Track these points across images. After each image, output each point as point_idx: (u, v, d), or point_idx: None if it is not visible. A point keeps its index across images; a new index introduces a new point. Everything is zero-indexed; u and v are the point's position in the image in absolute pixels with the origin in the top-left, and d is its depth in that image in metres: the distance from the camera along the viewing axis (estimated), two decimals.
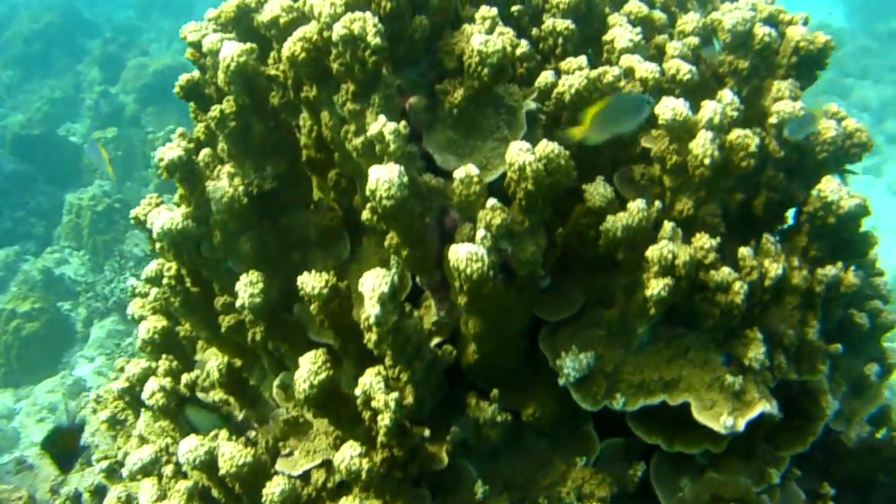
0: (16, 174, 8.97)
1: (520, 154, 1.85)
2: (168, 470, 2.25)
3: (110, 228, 8.01)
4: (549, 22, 2.27)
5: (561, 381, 2.09)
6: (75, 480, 4.53)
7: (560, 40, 2.26)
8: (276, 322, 2.23)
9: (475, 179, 1.88)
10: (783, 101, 2.13)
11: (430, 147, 2.03)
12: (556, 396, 2.18)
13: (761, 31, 2.18)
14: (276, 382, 2.43)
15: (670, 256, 1.93)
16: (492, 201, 1.89)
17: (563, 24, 2.25)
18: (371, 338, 1.92)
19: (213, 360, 2.33)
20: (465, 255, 1.84)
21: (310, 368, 2.05)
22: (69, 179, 9.42)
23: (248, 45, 2.03)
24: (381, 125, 1.86)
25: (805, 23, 2.51)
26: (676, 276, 1.95)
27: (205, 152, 2.21)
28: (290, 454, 2.34)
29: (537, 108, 2.15)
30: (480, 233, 1.89)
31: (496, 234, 1.89)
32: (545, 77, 2.17)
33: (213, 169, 2.22)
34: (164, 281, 2.39)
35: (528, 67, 2.30)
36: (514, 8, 2.40)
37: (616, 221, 1.98)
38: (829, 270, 2.15)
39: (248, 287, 2.13)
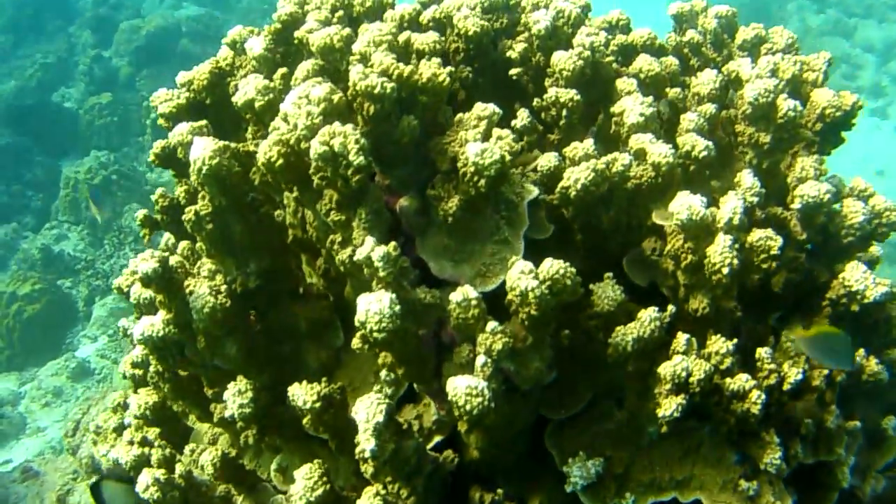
0: (10, 147, 8.78)
1: (521, 278, 1.70)
2: None
3: (106, 199, 7.83)
4: (551, 92, 2.09)
5: (568, 489, 1.98)
6: (80, 490, 4.51)
7: (564, 112, 2.07)
8: (269, 423, 2.12)
9: (473, 303, 1.73)
10: (808, 184, 1.96)
11: (423, 254, 1.88)
12: (562, 486, 2.07)
13: (785, 105, 2.00)
14: (274, 466, 2.33)
15: (684, 375, 1.80)
16: (492, 325, 1.74)
17: (568, 96, 2.06)
18: (368, 469, 1.81)
19: (206, 454, 2.23)
20: (465, 390, 1.71)
21: (305, 485, 1.97)
22: (66, 148, 9.22)
23: (220, 144, 1.86)
24: (368, 249, 1.70)
25: (828, 68, 2.31)
26: (690, 393, 1.81)
27: (181, 250, 2.07)
28: None
29: (539, 195, 1.98)
30: (480, 360, 1.75)
31: (498, 359, 1.75)
32: (548, 161, 2.00)
33: (193, 263, 2.07)
34: (151, 369, 2.27)
35: (529, 141, 2.12)
36: (513, 71, 2.20)
37: (626, 335, 1.84)
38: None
39: (236, 397, 2.01)
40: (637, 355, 1.87)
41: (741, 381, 1.86)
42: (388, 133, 1.78)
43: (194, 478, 2.30)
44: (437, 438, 2.08)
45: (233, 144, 2.16)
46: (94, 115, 9.32)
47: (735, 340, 1.91)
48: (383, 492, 1.88)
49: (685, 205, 1.83)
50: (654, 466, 2.01)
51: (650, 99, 2.06)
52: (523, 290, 1.69)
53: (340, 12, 2.17)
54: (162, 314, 2.02)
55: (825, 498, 2.20)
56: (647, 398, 1.92)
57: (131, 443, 2.44)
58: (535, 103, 2.12)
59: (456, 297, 1.74)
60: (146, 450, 2.37)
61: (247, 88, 1.99)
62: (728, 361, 1.88)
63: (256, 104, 1.97)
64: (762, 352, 1.92)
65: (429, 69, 1.78)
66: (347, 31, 1.95)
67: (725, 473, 1.97)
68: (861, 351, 2.03)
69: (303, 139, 1.71)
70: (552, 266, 1.71)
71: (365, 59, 1.83)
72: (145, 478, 2.23)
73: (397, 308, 1.69)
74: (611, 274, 1.95)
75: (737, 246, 1.81)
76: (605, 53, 2.14)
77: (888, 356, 2.48)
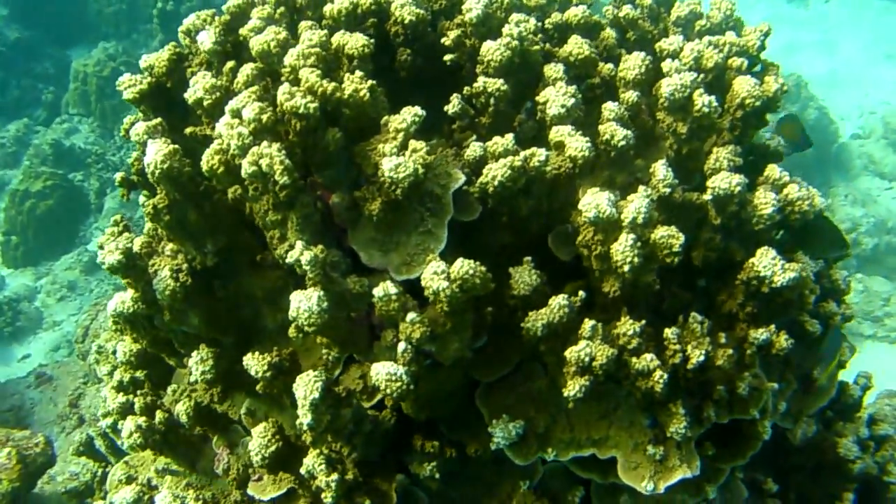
0: (20, 42, 8.85)
1: (434, 279, 1.89)
2: None
3: (117, 93, 7.94)
4: (480, 81, 2.21)
5: (493, 447, 2.22)
6: (91, 395, 4.87)
7: (491, 100, 2.20)
8: (233, 381, 2.37)
9: (393, 297, 1.93)
10: (720, 176, 2.09)
11: (354, 244, 2.07)
12: None
13: (700, 100, 2.10)
14: (243, 410, 2.60)
15: (587, 360, 2.00)
16: (411, 315, 1.95)
17: (495, 85, 2.18)
18: (307, 439, 2.06)
19: (180, 405, 2.50)
20: (385, 376, 1.94)
21: (260, 442, 2.24)
22: (75, 37, 9.26)
23: (170, 148, 2.03)
24: (298, 253, 1.90)
25: (764, 40, 2.39)
26: (594, 375, 2.02)
27: (147, 230, 2.27)
28: (260, 479, 2.55)
29: (466, 180, 2.14)
30: (401, 346, 1.97)
31: (417, 345, 1.97)
32: (474, 150, 2.15)
33: (158, 242, 2.28)
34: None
35: (461, 126, 2.26)
36: (448, 57, 2.31)
37: (537, 320, 2.04)
38: (762, 334, 2.20)
39: (199, 365, 2.26)
40: (549, 337, 2.07)
41: (646, 360, 2.05)
42: (315, 143, 1.94)
43: (174, 420, 2.59)
44: (380, 396, 2.33)
45: (189, 130, 2.35)
46: (102, 3, 9.32)
47: (643, 322, 2.09)
48: (326, 451, 2.15)
49: (593, 203, 1.98)
50: (573, 427, 2.23)
51: (573, 89, 2.17)
52: (435, 290, 1.89)
53: (282, 8, 2.28)
54: (131, 292, 2.25)
55: (749, 447, 2.39)
56: (563, 370, 2.13)
57: (118, 388, 2.73)
58: (465, 91, 2.25)
59: (378, 291, 1.93)
60: (130, 397, 2.66)
61: (196, 87, 2.13)
62: (635, 342, 2.07)
63: (205, 102, 2.12)
64: (669, 332, 2.11)
65: (351, 85, 1.91)
66: (283, 35, 2.08)
67: (637, 436, 2.19)
68: (772, 327, 2.19)
69: (236, 156, 1.88)
70: (462, 266, 1.89)
71: (295, 72, 1.96)
72: (129, 424, 2.52)
73: (325, 305, 1.90)
74: (529, 258, 2.13)
75: (639, 244, 1.97)
76: (534, 41, 2.24)
77: (823, 310, 2.66)
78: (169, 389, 2.75)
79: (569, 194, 2.22)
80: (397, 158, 1.88)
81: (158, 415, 2.58)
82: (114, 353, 3.45)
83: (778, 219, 2.16)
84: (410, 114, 1.96)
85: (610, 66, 2.36)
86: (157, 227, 2.21)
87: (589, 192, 2.02)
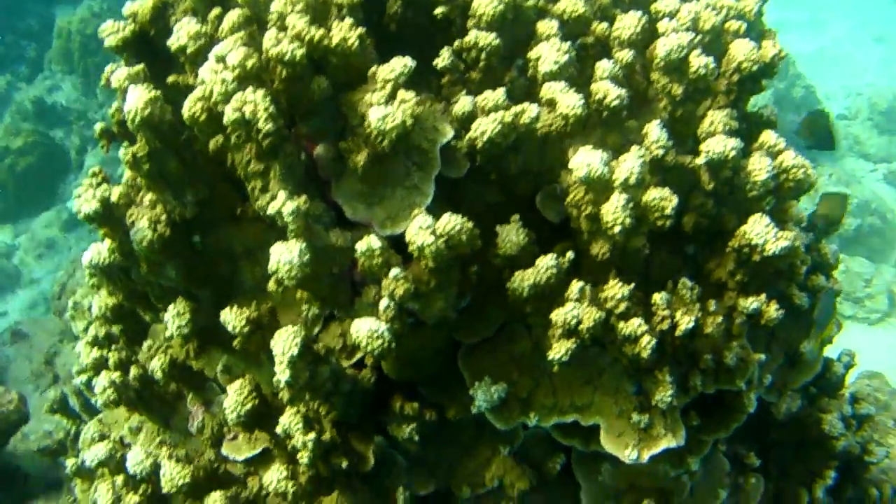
0: None
1: (419, 234, 1.84)
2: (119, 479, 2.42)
3: (101, 50, 7.84)
4: (472, 35, 2.14)
5: (473, 410, 2.18)
6: (66, 352, 4.81)
7: (483, 55, 2.14)
8: (209, 338, 2.32)
9: (377, 252, 1.88)
10: (715, 139, 2.05)
11: (338, 197, 2.02)
12: None
13: (696, 62, 2.05)
14: (219, 368, 2.55)
15: (574, 322, 1.96)
16: (395, 271, 1.90)
17: (486, 40, 2.12)
18: (284, 396, 2.01)
19: (155, 361, 2.45)
20: (366, 333, 1.89)
21: (236, 399, 2.19)
22: None
23: (153, 93, 1.96)
24: (280, 204, 1.84)
25: (762, 6, 2.34)
26: (581, 338, 1.98)
27: (126, 179, 2.20)
28: (235, 438, 2.51)
29: (455, 135, 2.09)
30: (384, 303, 1.92)
31: (400, 303, 1.92)
32: (463, 106, 2.09)
33: (136, 192, 2.22)
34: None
35: (452, 80, 2.20)
36: (438, 10, 2.24)
37: (523, 281, 1.99)
38: (751, 303, 2.17)
39: (175, 319, 2.21)
40: (535, 298, 2.02)
41: (633, 325, 2.02)
42: (300, 92, 1.88)
43: (148, 376, 2.54)
44: (360, 354, 2.28)
45: (171, 78, 2.28)
46: None
47: (632, 285, 2.05)
48: (303, 409, 2.10)
49: (584, 162, 1.93)
50: (556, 392, 2.20)
51: (567, 45, 2.11)
52: (419, 246, 1.84)
53: None
54: (108, 243, 2.19)
55: (733, 419, 2.38)
56: (548, 333, 2.10)
57: (92, 343, 2.67)
58: (455, 45, 2.19)
59: (361, 245, 1.88)
60: (104, 352, 2.61)
61: (179, 34, 2.06)
62: (623, 306, 2.03)
63: (188, 50, 2.05)
64: (658, 297, 2.07)
65: (339, 33, 1.85)
66: None
67: (622, 403, 2.16)
68: (762, 296, 2.16)
69: (219, 103, 1.81)
70: (449, 222, 1.85)
71: (282, 18, 1.89)
72: (103, 380, 2.47)
73: (306, 258, 1.85)
74: (518, 216, 2.08)
75: (631, 205, 1.93)
76: None
77: (811, 283, 2.62)
78: (144, 345, 2.70)
79: (559, 154, 2.17)
80: (385, 108, 1.82)
81: (133, 370, 2.53)
82: (89, 309, 3.41)
83: (772, 186, 2.12)
84: (400, 64, 1.90)
85: (604, 25, 2.30)
86: (136, 176, 2.14)
87: (581, 150, 1.97)
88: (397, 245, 1.98)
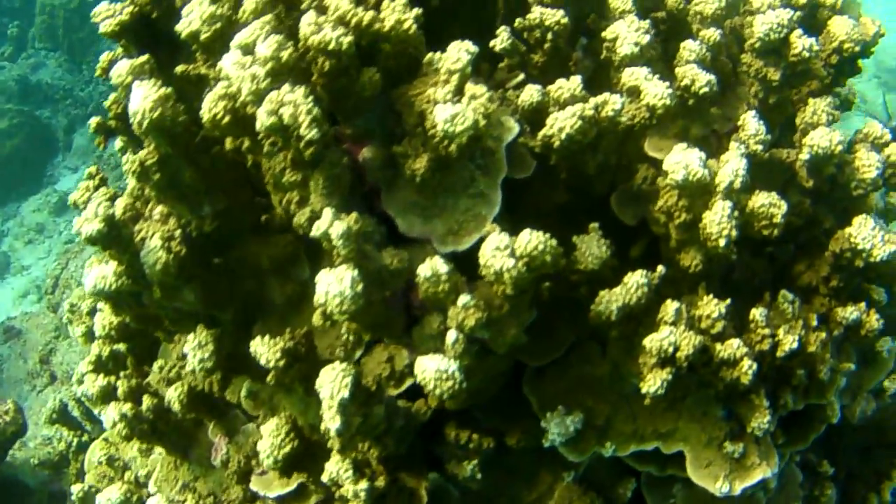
0: None
1: (496, 256, 1.55)
2: None
3: (86, 25, 7.42)
4: (536, 11, 1.83)
5: (546, 444, 1.92)
6: (63, 350, 4.52)
7: (549, 35, 1.83)
8: (235, 365, 2.03)
9: (443, 278, 1.58)
10: (818, 132, 1.76)
11: (390, 209, 1.71)
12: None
13: (800, 42, 1.76)
14: (244, 393, 2.26)
15: (671, 350, 1.68)
16: (464, 299, 1.61)
17: (554, 18, 1.82)
18: (334, 445, 1.73)
19: (172, 390, 2.16)
20: (434, 374, 1.60)
21: (272, 443, 1.91)
22: None
23: (162, 91, 1.64)
24: (327, 225, 1.53)
25: None
26: (677, 367, 1.71)
27: (130, 190, 1.89)
28: (265, 473, 2.23)
29: (521, 131, 1.78)
30: (451, 336, 1.63)
31: (470, 333, 1.63)
32: (530, 95, 1.78)
33: (144, 203, 1.91)
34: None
35: (511, 64, 1.89)
36: None
37: (611, 302, 1.71)
38: (851, 313, 1.91)
39: (196, 352, 1.91)
40: (624, 320, 1.75)
41: (732, 347, 1.75)
42: (347, 87, 1.56)
43: (162, 406, 2.25)
44: (410, 382, 2.00)
45: (180, 68, 1.95)
46: None
47: (728, 301, 1.78)
48: (353, 454, 1.83)
49: (682, 163, 1.64)
50: (636, 417, 1.95)
51: (646, 23, 1.81)
52: (498, 270, 1.54)
53: None
54: (113, 265, 1.87)
55: (812, 429, 2.17)
56: (632, 356, 1.83)
57: (97, 370, 2.37)
58: (516, 24, 1.87)
59: (424, 271, 1.59)
60: (112, 380, 2.31)
61: (191, 17, 1.73)
62: (719, 326, 1.76)
63: (202, 36, 1.73)
64: (757, 313, 1.81)
65: (393, 14, 1.53)
66: None
67: (711, 430, 1.92)
68: (861, 305, 1.90)
69: (249, 104, 1.50)
70: (530, 241, 1.55)
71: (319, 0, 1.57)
72: (112, 413, 2.18)
73: (360, 288, 1.55)
74: (597, 225, 1.79)
75: (736, 214, 1.64)
76: None
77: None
78: (155, 366, 2.41)
79: (637, 148, 1.88)
80: (453, 107, 1.51)
81: (146, 400, 2.24)
82: (88, 314, 3.12)
83: (881, 184, 1.84)
84: (463, 50, 1.58)
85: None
86: (145, 187, 1.83)
87: (676, 148, 1.68)
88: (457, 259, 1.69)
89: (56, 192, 6.78)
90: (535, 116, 1.79)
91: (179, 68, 1.94)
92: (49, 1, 7.72)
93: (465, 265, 1.67)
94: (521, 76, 1.93)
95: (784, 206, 1.69)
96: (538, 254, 1.55)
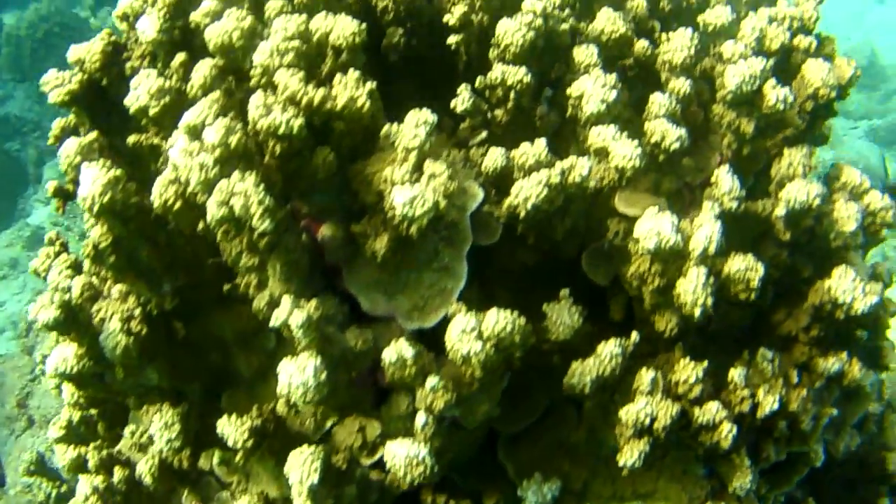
0: None
1: (462, 340, 1.49)
2: None
3: (51, 55, 7.30)
4: (497, 70, 1.77)
5: None
6: (40, 393, 4.43)
7: (512, 94, 1.77)
8: (204, 438, 1.96)
9: (409, 362, 1.53)
10: (795, 185, 1.71)
11: (352, 288, 1.65)
12: None
13: (773, 94, 1.70)
14: (216, 460, 2.20)
15: (648, 421, 1.63)
16: (432, 381, 1.55)
17: (516, 76, 1.75)
18: None
19: (142, 464, 2.09)
20: (404, 461, 1.55)
21: None
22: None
23: (112, 174, 1.57)
24: (286, 313, 1.48)
25: (819, 6, 1.99)
26: (654, 437, 1.66)
27: (88, 269, 1.83)
28: None
29: (485, 198, 1.72)
30: (420, 419, 1.57)
31: (440, 416, 1.58)
32: (494, 160, 1.72)
33: (103, 284, 1.84)
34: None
35: (473, 124, 1.84)
36: (452, 40, 1.87)
37: (584, 374, 1.65)
38: (833, 364, 1.86)
39: (162, 432, 1.84)
40: (598, 391, 1.69)
41: (711, 412, 1.70)
42: (300, 169, 1.50)
43: (134, 477, 2.19)
44: (382, 451, 1.94)
45: (132, 139, 1.89)
46: None
47: (705, 363, 1.73)
48: None
49: (654, 230, 1.59)
50: (615, 479, 1.89)
51: (613, 78, 1.75)
52: (465, 355, 1.49)
53: None
54: (74, 347, 1.81)
55: (796, 472, 2.13)
56: (609, 423, 1.77)
57: (67, 439, 2.31)
58: (478, 83, 1.81)
59: (390, 355, 1.53)
60: (82, 451, 2.25)
61: (139, 91, 1.67)
62: (697, 390, 1.71)
63: (151, 111, 1.67)
64: (735, 374, 1.75)
65: (345, 91, 1.47)
66: (249, 22, 1.61)
67: (692, 489, 1.87)
68: (843, 355, 1.85)
69: (198, 193, 1.44)
70: (497, 322, 1.50)
71: (268, 74, 1.51)
72: (84, 487, 2.11)
73: (323, 377, 1.49)
74: (567, 291, 1.74)
75: (711, 281, 1.59)
76: (561, 17, 1.81)
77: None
78: (127, 430, 2.33)
79: (607, 206, 1.82)
80: (412, 188, 1.45)
81: (117, 472, 2.17)
82: None
83: (860, 237, 1.79)
84: (421, 122, 1.52)
85: (644, 43, 1.93)
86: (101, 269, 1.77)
87: (647, 213, 1.63)
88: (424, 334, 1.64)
89: (28, 225, 6.66)
90: (500, 181, 1.73)
91: (132, 139, 1.89)
92: (15, 31, 7.58)
93: (434, 339, 1.62)
94: (484, 133, 1.87)
95: (761, 270, 1.63)
96: (506, 335, 1.50)
